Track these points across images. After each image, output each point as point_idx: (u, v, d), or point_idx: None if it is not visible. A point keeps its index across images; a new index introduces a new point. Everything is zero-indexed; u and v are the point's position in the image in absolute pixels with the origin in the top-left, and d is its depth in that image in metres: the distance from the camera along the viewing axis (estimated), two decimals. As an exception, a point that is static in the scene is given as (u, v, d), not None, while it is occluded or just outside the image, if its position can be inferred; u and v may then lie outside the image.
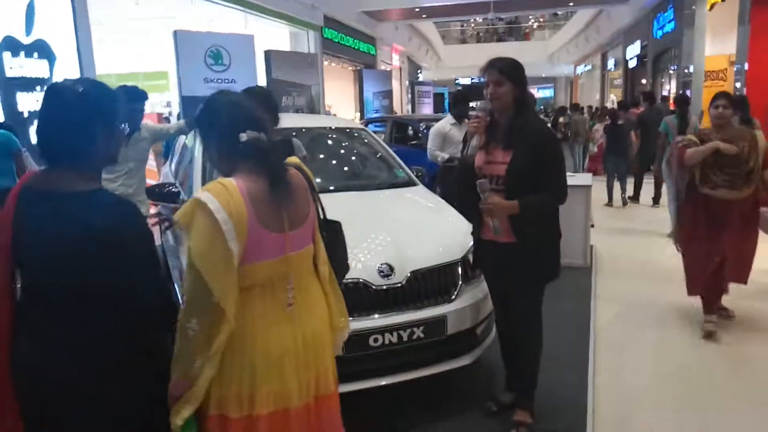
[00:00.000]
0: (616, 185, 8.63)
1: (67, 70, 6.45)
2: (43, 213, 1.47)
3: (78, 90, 1.52)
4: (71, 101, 1.50)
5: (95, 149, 1.53)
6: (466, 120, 5.14)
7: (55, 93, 1.53)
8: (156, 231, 5.65)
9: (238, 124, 1.62)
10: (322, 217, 1.88)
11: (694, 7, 12.24)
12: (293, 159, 1.81)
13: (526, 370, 2.86)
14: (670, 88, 15.26)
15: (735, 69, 9.52)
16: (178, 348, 1.59)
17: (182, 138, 4.72)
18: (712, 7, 10.85)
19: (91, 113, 1.52)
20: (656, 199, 8.26)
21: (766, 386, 3.25)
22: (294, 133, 3.71)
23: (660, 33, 15.19)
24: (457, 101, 5.50)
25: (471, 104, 5.40)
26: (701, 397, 3.16)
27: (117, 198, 1.56)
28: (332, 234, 2.00)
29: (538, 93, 35.63)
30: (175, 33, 7.05)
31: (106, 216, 1.47)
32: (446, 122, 5.40)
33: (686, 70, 12.74)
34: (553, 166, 2.63)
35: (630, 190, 8.78)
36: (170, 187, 3.67)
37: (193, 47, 7.06)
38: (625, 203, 8.61)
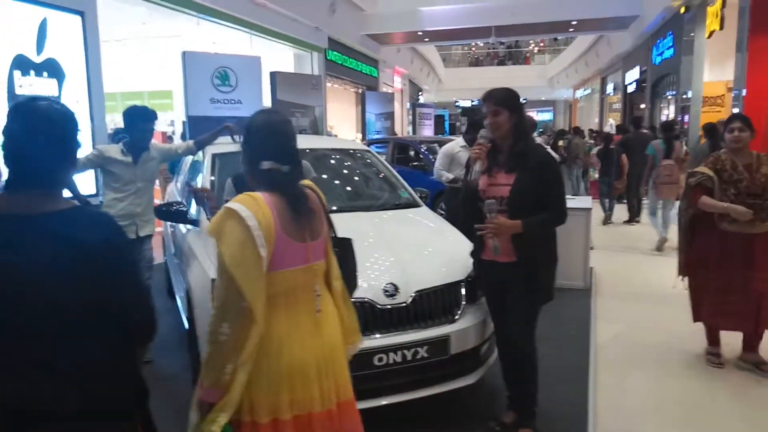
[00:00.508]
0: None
1: (75, 88, 6.55)
2: (13, 236, 1.38)
3: (58, 108, 1.50)
4: (57, 119, 1.48)
5: (71, 168, 1.53)
6: None
7: (37, 110, 1.47)
8: (159, 249, 5.69)
9: (267, 150, 1.75)
10: (333, 234, 1.98)
11: (693, 34, 12.43)
12: (307, 182, 1.90)
13: (525, 388, 2.90)
14: (668, 114, 15.42)
15: (733, 95, 9.64)
16: (208, 355, 1.63)
17: (190, 157, 4.79)
18: (710, 34, 11.02)
19: (74, 131, 1.52)
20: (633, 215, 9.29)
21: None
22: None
23: (659, 59, 15.39)
24: (473, 128, 5.55)
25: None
26: (703, 421, 3.17)
27: (98, 214, 1.55)
28: (343, 251, 2.09)
29: (538, 116, 35.87)
30: (184, 54, 7.17)
31: (94, 233, 1.43)
32: (456, 144, 5.52)
33: (684, 96, 12.89)
34: (553, 187, 2.75)
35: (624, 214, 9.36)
36: (177, 206, 3.72)
37: (200, 68, 7.17)
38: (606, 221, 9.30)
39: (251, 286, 1.60)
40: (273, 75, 10.00)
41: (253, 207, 1.63)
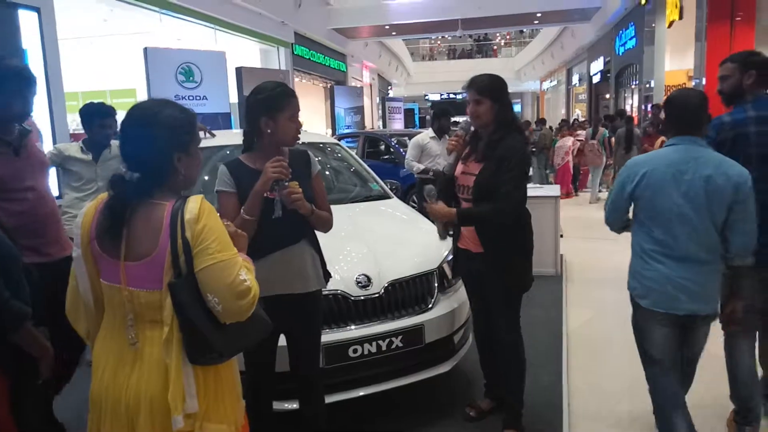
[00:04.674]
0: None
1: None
2: None
3: None
4: None
5: None
6: (446, 135, 5.33)
7: None
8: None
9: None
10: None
11: (653, 25, 12.70)
12: (196, 198, 1.51)
13: (510, 386, 2.88)
14: (632, 103, 15.75)
15: (693, 84, 9.88)
16: None
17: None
18: (670, 24, 11.26)
19: None
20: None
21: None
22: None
23: (622, 49, 15.68)
24: (438, 117, 5.61)
25: (453, 119, 5.56)
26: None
27: None
28: (175, 295, 1.49)
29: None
30: (146, 50, 7.03)
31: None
32: (426, 135, 5.56)
33: (647, 85, 13.16)
34: (506, 180, 2.55)
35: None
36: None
37: (163, 64, 7.04)
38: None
39: (71, 275, 1.60)
40: (239, 70, 9.86)
41: (91, 204, 1.59)
